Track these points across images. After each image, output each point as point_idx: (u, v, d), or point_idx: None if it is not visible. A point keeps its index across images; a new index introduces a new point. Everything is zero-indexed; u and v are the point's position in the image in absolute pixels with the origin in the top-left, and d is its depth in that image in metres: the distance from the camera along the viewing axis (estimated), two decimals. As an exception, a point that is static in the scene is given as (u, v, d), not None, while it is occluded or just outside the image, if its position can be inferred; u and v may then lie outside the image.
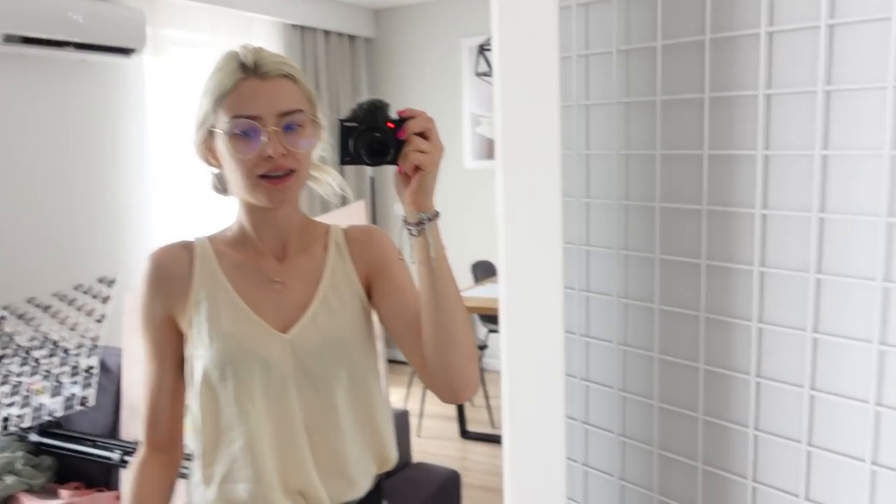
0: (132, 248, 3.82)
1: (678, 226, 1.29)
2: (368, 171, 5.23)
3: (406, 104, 1.13)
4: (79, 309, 2.76)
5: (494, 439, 4.26)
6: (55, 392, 2.39)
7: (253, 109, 1.16)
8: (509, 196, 0.88)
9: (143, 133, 3.93)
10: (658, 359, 1.33)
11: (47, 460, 2.50)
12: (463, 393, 1.21)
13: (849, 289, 1.10)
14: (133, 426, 2.43)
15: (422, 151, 1.08)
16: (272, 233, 1.27)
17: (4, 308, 2.85)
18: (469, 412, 4.44)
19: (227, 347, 1.21)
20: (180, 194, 4.03)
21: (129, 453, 2.25)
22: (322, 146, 1.31)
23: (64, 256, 3.50)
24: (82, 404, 2.32)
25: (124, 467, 2.26)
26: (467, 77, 5.44)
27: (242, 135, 1.16)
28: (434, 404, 4.38)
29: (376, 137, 1.09)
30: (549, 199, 0.89)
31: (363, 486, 1.30)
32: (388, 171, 1.12)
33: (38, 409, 2.36)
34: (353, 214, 2.42)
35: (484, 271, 5.12)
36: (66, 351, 2.57)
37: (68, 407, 2.33)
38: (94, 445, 2.38)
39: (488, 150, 5.52)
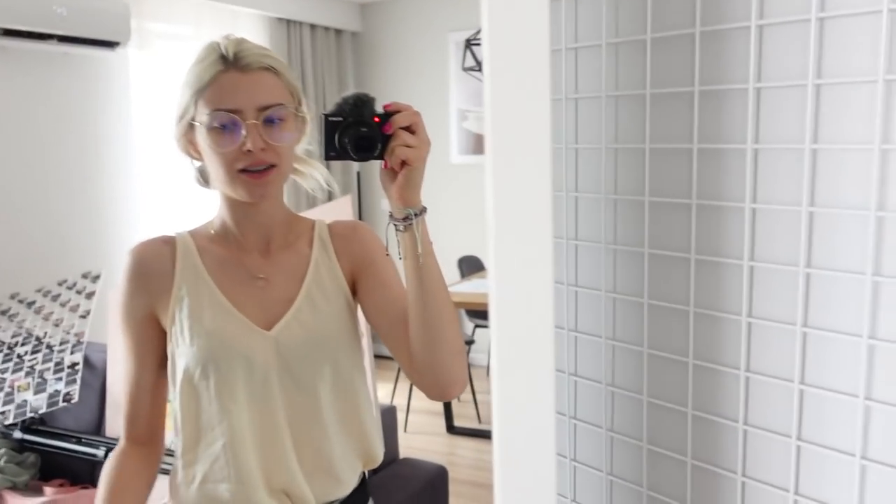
0: (116, 243, 3.79)
1: (667, 220, 1.28)
2: (355, 165, 5.22)
3: (392, 99, 1.11)
4: (63, 305, 2.73)
5: (481, 434, 4.26)
6: (39, 388, 2.37)
7: (232, 103, 1.14)
8: (499, 190, 0.87)
9: (128, 127, 3.90)
10: (647, 354, 1.32)
11: (31, 457, 2.47)
12: (451, 390, 1.20)
13: (838, 283, 1.10)
14: (118, 422, 2.41)
15: (408, 146, 1.07)
16: (254, 228, 1.26)
17: (-13, 304, 2.83)
18: (456, 407, 4.45)
19: (209, 345, 1.20)
20: (165, 189, 4.00)
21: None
22: (307, 140, 1.29)
23: (47, 252, 3.47)
24: (66, 401, 2.30)
25: (109, 464, 2.24)
26: (454, 72, 5.43)
27: (222, 128, 1.15)
28: (421, 400, 4.37)
29: (362, 132, 1.07)
30: (539, 193, 0.88)
31: (349, 484, 1.29)
32: (375, 166, 1.11)
33: (21, 405, 2.34)
34: (340, 210, 2.40)
35: (470, 266, 5.12)
36: (50, 347, 2.54)
37: (52, 403, 2.31)
38: (79, 442, 2.36)
39: (475, 144, 5.52)
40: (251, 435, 1.21)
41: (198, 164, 1.26)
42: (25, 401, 2.34)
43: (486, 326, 4.91)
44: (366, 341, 1.64)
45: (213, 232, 1.28)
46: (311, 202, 4.31)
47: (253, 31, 4.73)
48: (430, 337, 1.16)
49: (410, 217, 1.10)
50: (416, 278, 1.13)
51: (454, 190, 5.29)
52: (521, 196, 0.89)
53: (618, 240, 1.35)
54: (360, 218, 5.51)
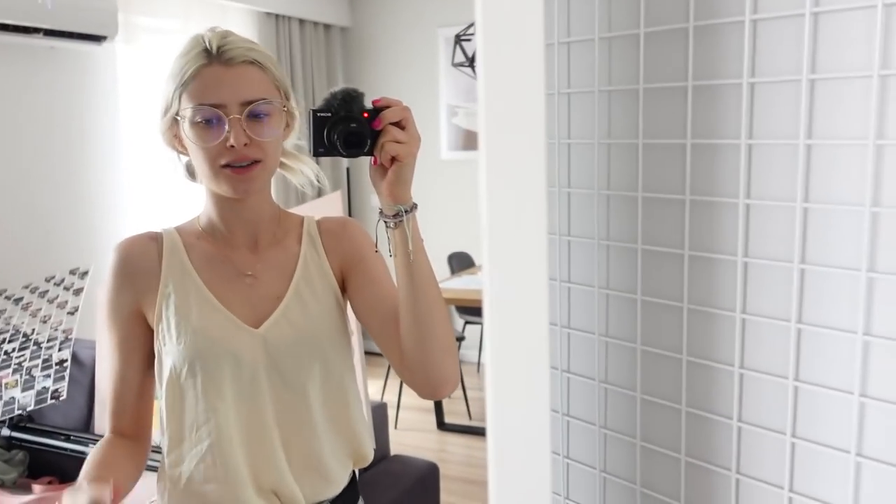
0: (104, 238, 3.76)
1: (660, 215, 1.28)
2: (344, 161, 5.20)
3: (382, 94, 1.10)
4: (50, 301, 2.71)
5: (472, 431, 4.26)
6: (27, 385, 2.35)
7: (215, 97, 1.13)
8: (493, 186, 0.86)
9: (115, 122, 3.88)
10: (640, 350, 1.32)
11: (19, 455, 2.46)
12: (442, 389, 1.19)
13: (833, 279, 1.09)
14: (106, 420, 2.39)
15: (398, 142, 1.06)
16: (242, 224, 1.24)
17: (-27, 301, 2.80)
18: (446, 404, 4.44)
19: (196, 343, 1.18)
20: (153, 184, 3.98)
21: (103, 448, 2.22)
22: (296, 135, 1.28)
23: (35, 248, 3.44)
24: (55, 398, 2.28)
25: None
26: (444, 67, 5.42)
27: (205, 123, 1.13)
28: (411, 396, 4.36)
29: (352, 128, 1.06)
30: (533, 189, 0.87)
31: (339, 483, 1.28)
32: (364, 162, 1.10)
33: (9, 402, 2.32)
34: (329, 206, 2.39)
35: (460, 262, 5.12)
36: (37, 344, 2.52)
37: (40, 401, 2.29)
38: (68, 440, 2.35)
39: (465, 140, 5.51)
40: (239, 434, 1.20)
41: (185, 158, 1.25)
42: (13, 398, 2.31)
43: (476, 323, 4.91)
44: (356, 338, 1.63)
45: (200, 228, 1.26)
46: (301, 198, 4.30)
47: (241, 25, 4.71)
48: (422, 335, 1.15)
49: (401, 214, 1.09)
50: (406, 275, 1.12)
51: (444, 186, 5.28)
52: (515, 192, 0.89)
53: (611, 235, 1.35)
54: (350, 214, 5.49)
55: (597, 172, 1.35)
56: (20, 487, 2.39)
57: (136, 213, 3.97)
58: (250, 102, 1.13)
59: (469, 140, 5.46)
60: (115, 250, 1.24)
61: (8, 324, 2.67)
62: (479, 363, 5.38)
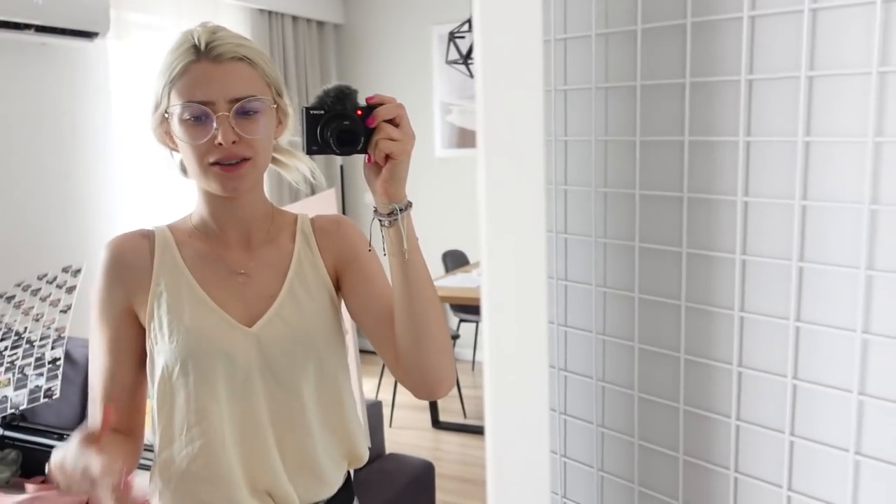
0: (97, 236, 3.75)
1: (658, 213, 1.27)
2: (338, 159, 5.18)
3: (375, 92, 1.09)
4: (43, 299, 2.70)
5: (467, 429, 4.26)
6: (19, 384, 2.33)
7: (203, 94, 1.11)
8: (491, 184, 0.86)
9: (107, 119, 3.86)
10: (638, 349, 1.31)
11: (12, 454, 2.45)
12: (438, 389, 1.18)
13: (832, 276, 1.09)
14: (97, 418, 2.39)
15: (392, 139, 1.04)
16: (234, 222, 1.23)
17: (-35, 299, 2.78)
18: (441, 402, 4.44)
19: (189, 342, 1.17)
20: (146, 181, 3.96)
21: (96, 447, 2.21)
22: (290, 133, 1.27)
23: (27, 245, 3.42)
24: (48, 396, 2.27)
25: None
26: (438, 65, 5.41)
27: (193, 120, 1.12)
28: (406, 394, 4.36)
29: (345, 125, 1.04)
30: (531, 187, 0.86)
31: (334, 484, 1.27)
32: (358, 159, 1.09)
33: (2, 401, 2.30)
34: (323, 204, 2.38)
35: (454, 260, 5.11)
36: (30, 342, 2.51)
37: (33, 399, 2.28)
38: (61, 438, 2.33)
39: (459, 138, 5.50)
40: (232, 434, 1.18)
41: (178, 155, 1.23)
42: (6, 396, 2.30)
43: (470, 321, 4.90)
44: (350, 337, 1.62)
45: (192, 226, 1.25)
46: (294, 196, 4.28)
47: (234, 22, 4.69)
48: (417, 334, 1.13)
49: (395, 212, 1.08)
50: (401, 274, 1.11)
51: (438, 184, 5.27)
52: (513, 190, 0.88)
53: (608, 233, 1.34)
54: (344, 212, 5.49)
55: (594, 170, 1.34)
56: (13, 487, 2.38)
57: (129, 210, 3.96)
58: (238, 99, 1.12)
59: (463, 138, 5.45)
60: (107, 248, 1.22)
61: (0, 322, 2.65)
62: (473, 361, 5.38)
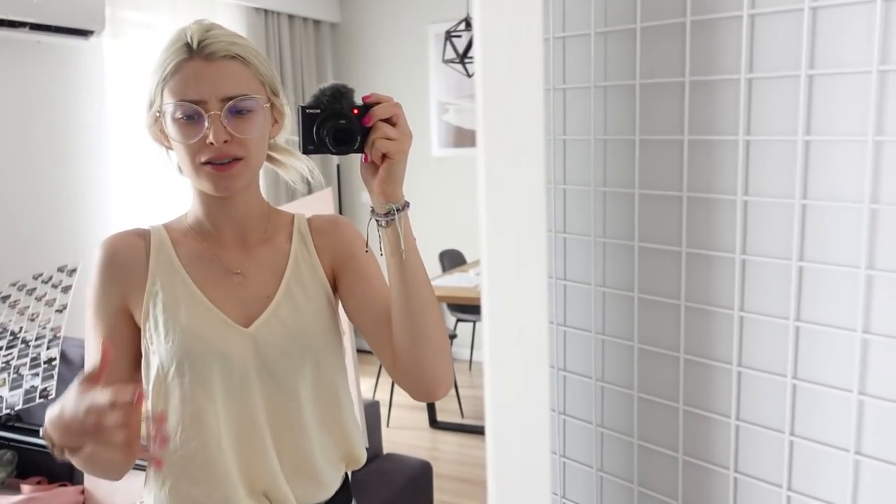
0: (93, 235, 3.73)
1: (657, 212, 1.27)
2: (334, 158, 5.17)
3: (372, 91, 1.08)
4: (38, 299, 2.69)
5: (465, 429, 4.25)
6: (15, 384, 2.33)
7: (195, 93, 1.11)
8: (491, 183, 0.85)
9: (103, 117, 3.84)
10: (637, 348, 1.31)
11: (7, 454, 2.44)
12: (436, 390, 1.18)
13: (832, 276, 1.09)
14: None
15: (389, 139, 1.04)
16: (229, 222, 1.22)
17: (-40, 299, 2.77)
18: (439, 402, 4.43)
19: (185, 342, 1.16)
20: (142, 180, 3.95)
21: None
22: (286, 132, 1.26)
23: (22, 245, 3.41)
24: (43, 397, 2.26)
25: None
26: (434, 64, 5.40)
27: (185, 119, 1.11)
28: (403, 394, 4.35)
29: (341, 125, 1.04)
30: (532, 186, 0.86)
31: (331, 486, 1.26)
32: (355, 158, 1.08)
33: (-4, 402, 2.29)
34: (320, 203, 2.37)
35: (452, 260, 5.10)
36: (25, 342, 2.50)
37: (29, 400, 2.27)
38: (56, 439, 2.32)
39: (456, 137, 5.49)
40: (229, 435, 1.17)
41: (174, 153, 1.23)
42: (1, 397, 2.29)
43: (467, 321, 4.89)
44: (347, 337, 1.62)
45: (188, 225, 1.24)
46: (291, 195, 4.27)
47: (230, 21, 4.68)
48: (414, 335, 1.13)
49: (393, 212, 1.07)
50: (399, 275, 1.10)
51: (435, 183, 5.27)
52: (513, 189, 0.87)
53: (607, 233, 1.34)
54: (340, 212, 5.48)
55: (593, 169, 1.34)
56: (9, 487, 2.37)
57: (125, 209, 3.94)
58: (231, 98, 1.11)
59: (460, 137, 5.44)
60: (102, 247, 1.22)
61: (-5, 322, 2.64)
62: (470, 361, 5.37)
